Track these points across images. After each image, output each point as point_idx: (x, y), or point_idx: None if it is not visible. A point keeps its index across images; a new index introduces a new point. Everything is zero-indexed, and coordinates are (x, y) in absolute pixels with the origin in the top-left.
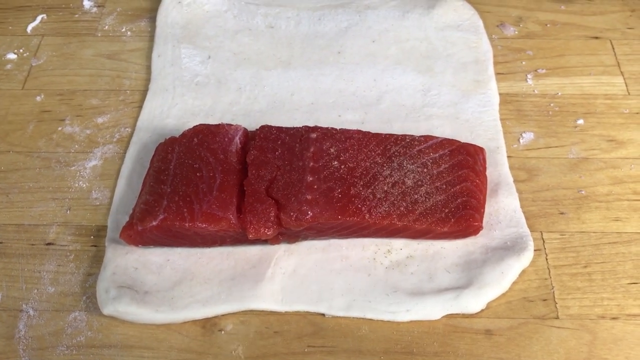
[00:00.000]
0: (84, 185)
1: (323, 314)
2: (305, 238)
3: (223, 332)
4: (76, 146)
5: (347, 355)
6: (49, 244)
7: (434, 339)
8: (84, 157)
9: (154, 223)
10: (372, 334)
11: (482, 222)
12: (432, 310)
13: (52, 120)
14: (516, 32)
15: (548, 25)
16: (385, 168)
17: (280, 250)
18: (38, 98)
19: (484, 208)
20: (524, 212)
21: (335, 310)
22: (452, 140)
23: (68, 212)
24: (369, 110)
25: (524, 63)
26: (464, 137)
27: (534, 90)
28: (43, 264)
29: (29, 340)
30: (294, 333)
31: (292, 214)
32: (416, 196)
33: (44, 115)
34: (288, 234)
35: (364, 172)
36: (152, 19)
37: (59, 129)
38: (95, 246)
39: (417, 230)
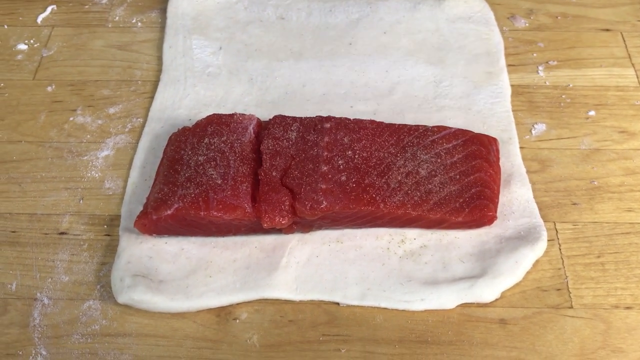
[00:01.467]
0: (97, 175)
1: (337, 303)
2: (320, 227)
3: (238, 320)
4: (88, 136)
5: (362, 343)
6: (62, 233)
7: (448, 328)
8: (96, 147)
9: (169, 212)
10: (387, 322)
11: (496, 212)
12: (446, 299)
13: (64, 110)
14: (527, 24)
15: (559, 18)
16: (399, 158)
17: (294, 239)
18: (49, 88)
19: (498, 198)
20: (537, 203)
21: (349, 299)
22: (466, 130)
23: (81, 201)
24: (381, 102)
25: (535, 55)
26: (476, 128)
27: (545, 82)
28: (57, 253)
29: (44, 329)
30: (309, 322)
31: (306, 203)
32: (430, 186)
33: (55, 106)
34: (302, 223)
35: (378, 162)
36: (163, 10)
37: (71, 119)
38: (108, 235)
39: (431, 220)
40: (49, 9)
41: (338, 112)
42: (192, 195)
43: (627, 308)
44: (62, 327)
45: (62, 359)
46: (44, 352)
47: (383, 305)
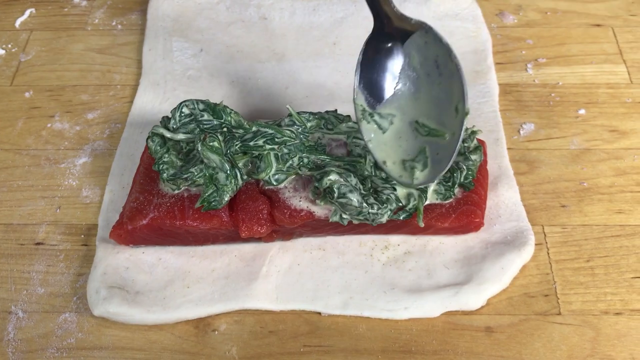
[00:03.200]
0: (74, 183)
1: (319, 313)
2: (300, 235)
3: (217, 332)
4: (66, 143)
5: (344, 354)
6: (38, 243)
7: (433, 337)
8: (73, 154)
9: (144, 222)
10: (370, 332)
11: (483, 218)
12: (431, 307)
13: (42, 116)
14: (516, 21)
15: (548, 13)
16: None
17: (275, 247)
18: (27, 94)
19: (485, 203)
20: (524, 206)
21: (331, 308)
22: None
23: (58, 210)
24: None
25: (524, 52)
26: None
27: (534, 80)
28: (32, 264)
29: (18, 343)
30: (290, 332)
31: (285, 211)
32: None
33: (33, 112)
34: (282, 232)
35: None
36: (143, 12)
37: (49, 125)
38: (85, 245)
39: (417, 226)
40: (28, 13)
41: None
42: (168, 205)
43: (617, 314)
44: (36, 341)
45: None
46: None
47: (366, 314)
